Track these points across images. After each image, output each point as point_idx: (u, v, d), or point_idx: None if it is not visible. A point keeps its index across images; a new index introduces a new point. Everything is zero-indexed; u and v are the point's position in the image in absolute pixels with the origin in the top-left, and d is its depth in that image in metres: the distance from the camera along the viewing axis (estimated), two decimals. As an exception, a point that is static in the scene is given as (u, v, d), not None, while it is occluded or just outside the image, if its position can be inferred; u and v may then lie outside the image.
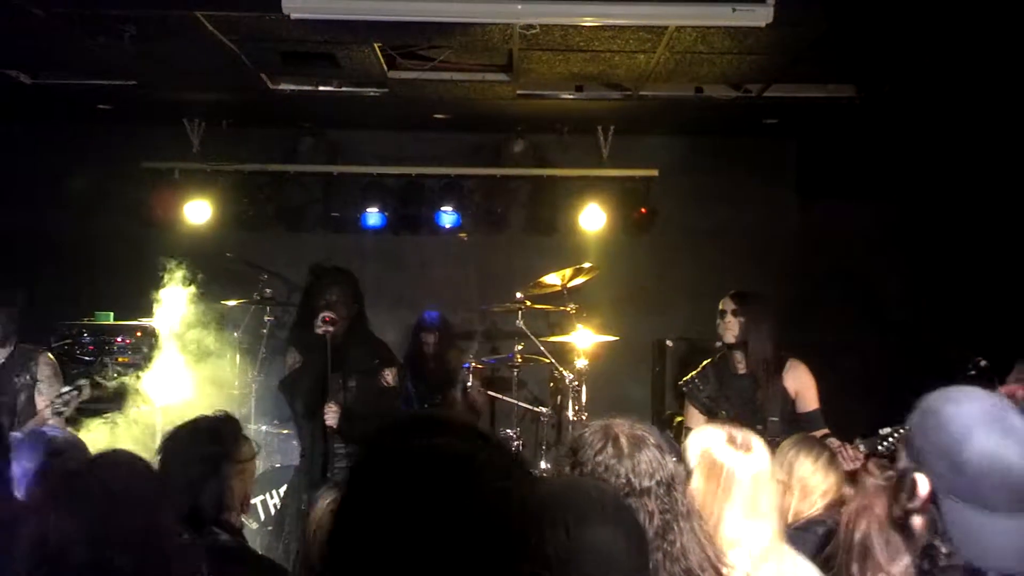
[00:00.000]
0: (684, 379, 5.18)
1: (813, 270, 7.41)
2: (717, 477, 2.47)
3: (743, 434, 2.55)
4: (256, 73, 6.03)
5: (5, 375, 5.29)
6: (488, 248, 7.96)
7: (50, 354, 5.51)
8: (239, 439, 2.99)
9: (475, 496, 1.28)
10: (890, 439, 4.37)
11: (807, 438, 3.72)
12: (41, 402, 5.25)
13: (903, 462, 2.06)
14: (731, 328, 4.93)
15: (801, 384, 4.93)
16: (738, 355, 4.97)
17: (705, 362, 5.15)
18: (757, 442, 2.54)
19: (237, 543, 2.86)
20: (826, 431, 4.83)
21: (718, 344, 5.18)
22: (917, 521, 2.04)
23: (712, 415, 4.92)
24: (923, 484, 1.99)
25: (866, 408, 4.85)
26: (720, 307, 5.01)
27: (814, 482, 3.41)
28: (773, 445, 3.28)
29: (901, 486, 2.05)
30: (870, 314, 7.00)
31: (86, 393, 5.02)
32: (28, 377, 5.32)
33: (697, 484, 2.48)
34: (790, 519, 3.26)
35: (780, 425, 4.81)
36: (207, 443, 2.91)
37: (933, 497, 1.97)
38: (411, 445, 1.34)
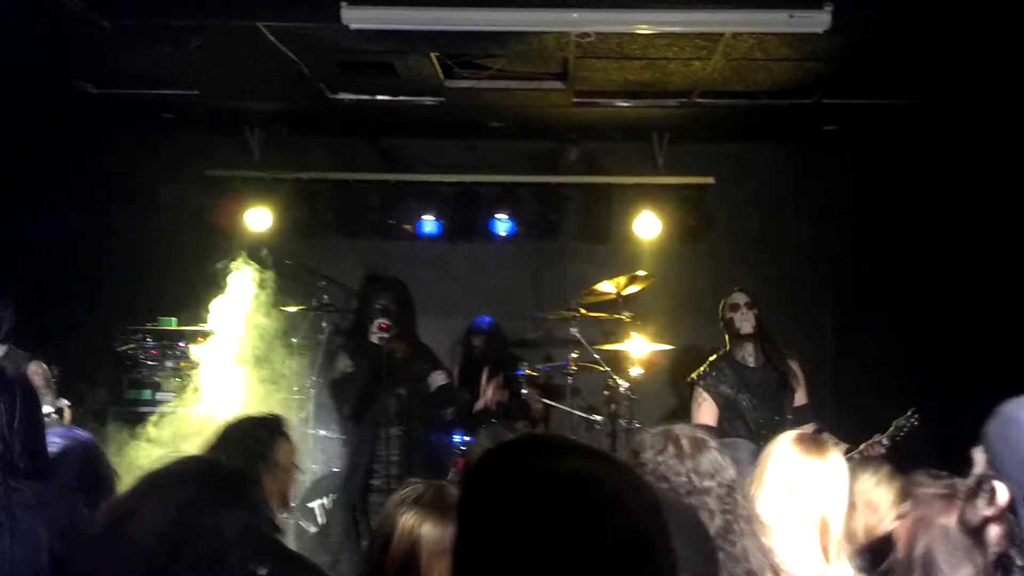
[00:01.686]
0: (693, 375, 5.21)
1: (871, 279, 7.31)
2: (788, 481, 2.47)
3: (815, 437, 2.54)
4: (315, 83, 6.14)
5: None
6: (542, 256, 7.98)
7: (42, 363, 5.23)
8: (276, 439, 3.05)
9: (610, 519, 1.20)
10: (904, 429, 4.42)
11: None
12: None
13: (981, 468, 2.04)
14: (748, 319, 5.09)
15: (799, 380, 5.13)
16: (749, 348, 5.10)
17: (711, 358, 5.25)
18: (831, 447, 2.55)
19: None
20: (816, 426, 4.89)
21: (721, 351, 5.26)
22: (994, 530, 2.01)
23: (733, 407, 4.94)
24: (1002, 492, 1.95)
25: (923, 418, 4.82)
26: (730, 301, 5.18)
27: (878, 496, 3.35)
28: None
29: (978, 493, 2.02)
30: (927, 324, 6.88)
31: (66, 417, 4.72)
32: None
33: (769, 487, 2.49)
34: (862, 537, 3.20)
35: (794, 422, 4.92)
36: (243, 441, 2.98)
37: (1012, 506, 1.94)
38: (530, 467, 1.26)
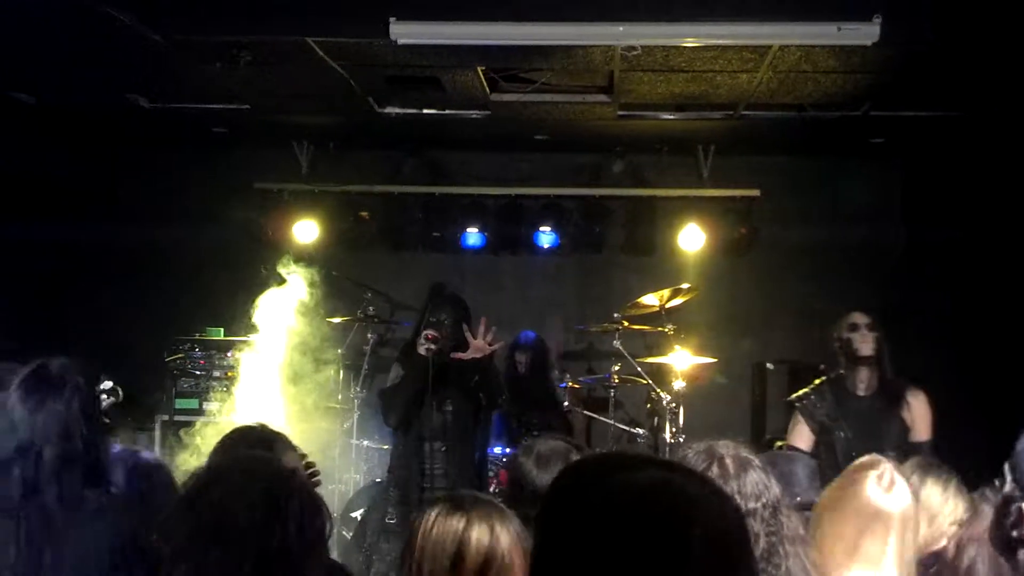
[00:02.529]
0: (796, 395, 4.93)
1: (920, 292, 7.21)
2: (863, 515, 2.42)
3: (890, 472, 2.48)
4: (363, 97, 6.20)
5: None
6: (586, 268, 7.99)
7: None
8: (275, 445, 3.06)
9: (695, 524, 1.20)
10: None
11: (931, 463, 3.55)
12: None
13: (1008, 487, 2.01)
14: (868, 341, 4.69)
15: (918, 414, 4.70)
16: (863, 373, 4.73)
17: (818, 380, 4.91)
18: (902, 482, 2.47)
19: None
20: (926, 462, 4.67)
21: (822, 367, 5.04)
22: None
23: (827, 436, 4.74)
24: None
25: (973, 438, 4.70)
26: (850, 321, 4.78)
27: (945, 510, 3.24)
28: None
29: (1006, 512, 1.99)
30: (978, 335, 6.77)
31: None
32: None
33: (841, 519, 2.45)
34: (921, 549, 3.13)
35: (896, 455, 4.65)
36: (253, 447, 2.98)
37: None
38: (612, 477, 1.26)
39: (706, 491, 1.26)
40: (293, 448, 3.12)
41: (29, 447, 2.67)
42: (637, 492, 1.23)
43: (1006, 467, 2.08)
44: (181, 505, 1.96)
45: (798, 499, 3.21)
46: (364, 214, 7.77)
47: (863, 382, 4.75)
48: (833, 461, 4.57)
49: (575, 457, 2.94)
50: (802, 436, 4.80)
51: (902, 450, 4.57)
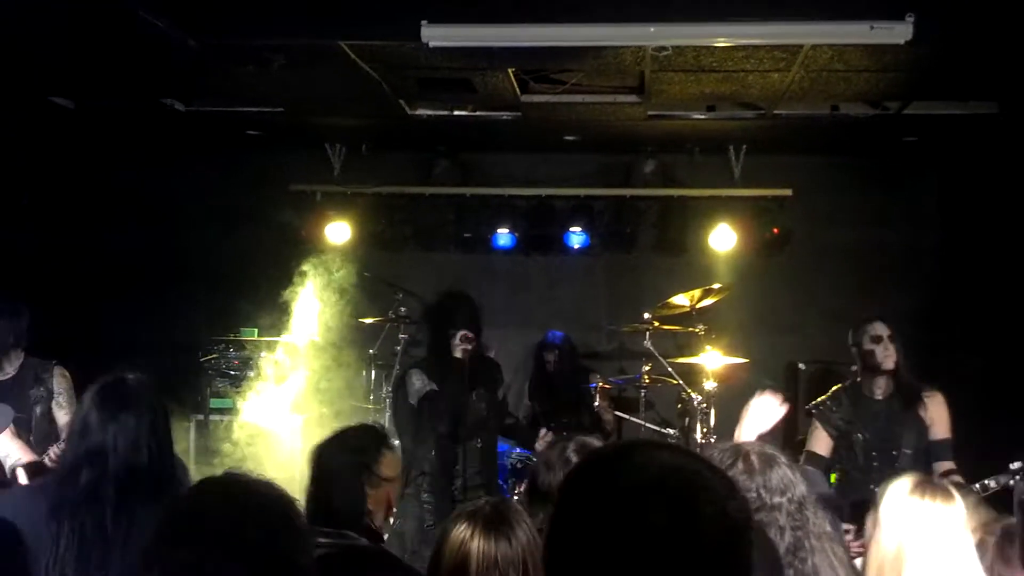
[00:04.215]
0: (814, 402, 5.03)
1: (956, 292, 7.14)
2: (903, 527, 2.44)
3: (934, 483, 2.48)
4: (395, 99, 6.25)
5: (18, 389, 4.84)
6: (617, 268, 7.99)
7: (65, 369, 5.04)
8: (380, 450, 3.11)
9: (704, 503, 1.25)
10: (1020, 473, 4.17)
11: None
12: (62, 416, 4.89)
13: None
14: (891, 354, 4.73)
15: (936, 414, 4.76)
16: (880, 381, 4.79)
17: (836, 387, 5.00)
18: (952, 491, 2.48)
19: (375, 547, 2.98)
20: (951, 465, 4.66)
21: (853, 368, 5.04)
22: None
23: (845, 439, 4.79)
24: None
25: (1004, 441, 4.66)
26: (873, 332, 4.78)
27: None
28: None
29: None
30: (1017, 337, 6.69)
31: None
32: (43, 390, 4.90)
33: (885, 533, 2.45)
34: None
35: (912, 457, 4.68)
36: (347, 452, 3.05)
37: None
38: (633, 460, 1.32)
39: (716, 476, 1.31)
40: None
41: (97, 455, 2.74)
42: (650, 473, 1.28)
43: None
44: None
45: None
46: (396, 215, 7.82)
47: (880, 388, 4.82)
48: (855, 463, 4.73)
49: (571, 447, 2.99)
50: (820, 441, 4.88)
51: (921, 449, 4.68)
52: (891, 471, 4.11)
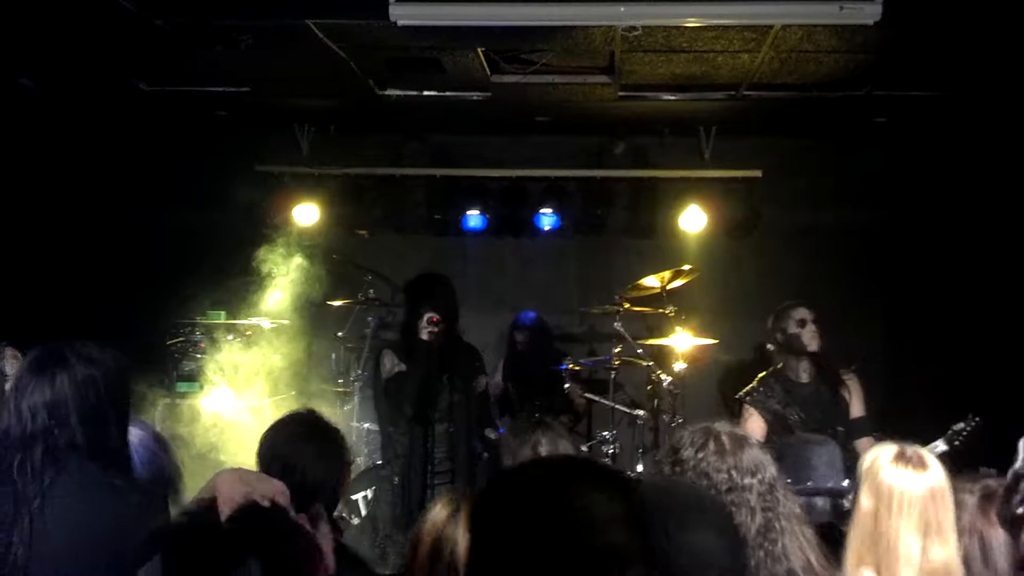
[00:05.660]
0: (743, 391, 5.14)
1: (922, 274, 7.21)
2: (888, 497, 2.43)
3: (914, 450, 2.49)
4: (364, 79, 6.19)
5: None
6: (588, 250, 7.98)
7: (17, 351, 4.87)
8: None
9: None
10: (964, 433, 4.31)
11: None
12: None
13: (1019, 464, 2.02)
14: (815, 337, 4.96)
15: (856, 394, 5.02)
16: (804, 364, 5.00)
17: (761, 374, 5.15)
18: (931, 458, 2.48)
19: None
20: (872, 440, 4.79)
21: (769, 347, 5.19)
22: None
23: (781, 422, 4.89)
24: None
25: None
26: (797, 316, 5.01)
27: None
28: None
29: (1015, 489, 2.00)
30: (982, 318, 6.77)
31: None
32: None
33: (866, 504, 2.45)
34: None
35: (845, 434, 4.88)
36: (328, 440, 3.01)
37: None
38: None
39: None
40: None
41: (25, 415, 2.63)
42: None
43: (1021, 444, 2.09)
44: None
45: (813, 484, 3.23)
46: (365, 197, 7.76)
47: (805, 371, 5.03)
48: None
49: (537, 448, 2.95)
50: (755, 427, 4.99)
51: (849, 425, 4.96)
52: None
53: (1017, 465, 2.03)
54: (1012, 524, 2.02)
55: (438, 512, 2.41)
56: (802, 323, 4.98)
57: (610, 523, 1.31)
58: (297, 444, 2.95)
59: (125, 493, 2.63)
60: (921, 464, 2.43)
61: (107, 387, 2.74)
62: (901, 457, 2.45)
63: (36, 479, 2.55)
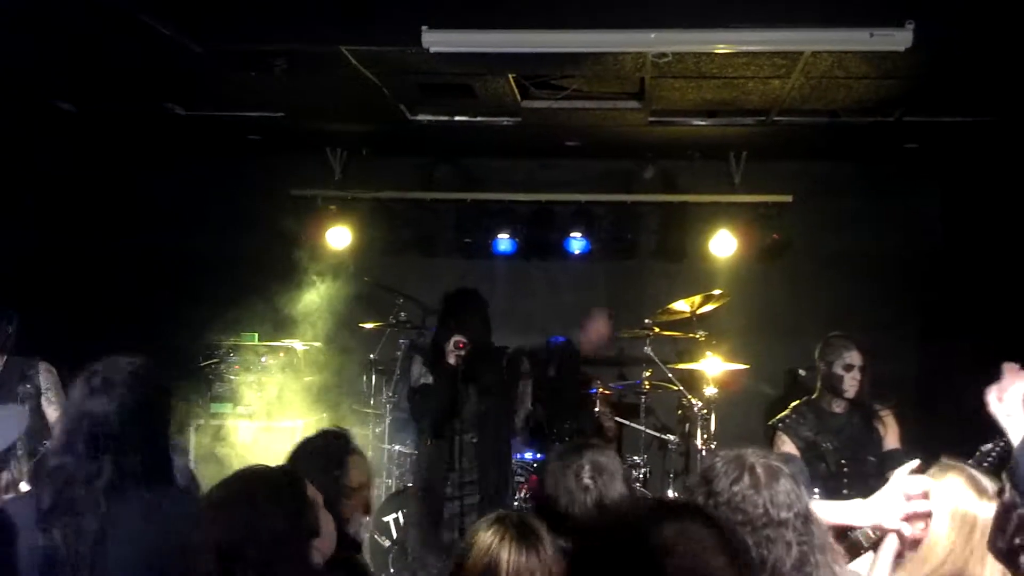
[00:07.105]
0: (776, 418, 5.12)
1: (956, 300, 7.13)
2: (970, 529, 2.44)
3: (989, 482, 2.48)
4: (396, 104, 6.26)
5: (4, 388, 4.87)
6: (617, 274, 7.98)
7: (51, 366, 5.06)
8: (344, 461, 3.12)
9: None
10: (992, 454, 4.24)
11: None
12: (52, 412, 4.92)
13: (1008, 495, 1.99)
14: (856, 385, 4.89)
15: (890, 427, 4.98)
16: (840, 401, 4.95)
17: (795, 403, 5.12)
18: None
19: (346, 557, 2.95)
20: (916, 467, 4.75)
21: (801, 372, 5.14)
22: None
23: (813, 449, 4.86)
24: None
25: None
26: (847, 360, 4.90)
27: None
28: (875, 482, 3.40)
29: (1007, 520, 1.97)
30: (1018, 347, 6.67)
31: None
32: (30, 387, 4.93)
33: (947, 536, 2.46)
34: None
35: (878, 463, 4.83)
36: (316, 472, 3.02)
37: None
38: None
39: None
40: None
41: (85, 433, 2.66)
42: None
43: (1003, 475, 2.07)
44: None
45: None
46: (396, 220, 7.82)
47: (839, 405, 4.98)
48: (824, 471, 4.83)
49: (587, 471, 2.91)
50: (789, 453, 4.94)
51: (883, 457, 4.87)
52: (862, 477, 4.56)
53: (1006, 496, 2.00)
54: (1008, 556, 1.98)
55: (486, 537, 2.40)
56: (848, 368, 4.90)
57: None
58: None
59: (186, 504, 2.68)
60: (994, 494, 2.44)
61: (155, 405, 2.79)
62: (978, 487, 2.45)
63: (97, 509, 2.58)
